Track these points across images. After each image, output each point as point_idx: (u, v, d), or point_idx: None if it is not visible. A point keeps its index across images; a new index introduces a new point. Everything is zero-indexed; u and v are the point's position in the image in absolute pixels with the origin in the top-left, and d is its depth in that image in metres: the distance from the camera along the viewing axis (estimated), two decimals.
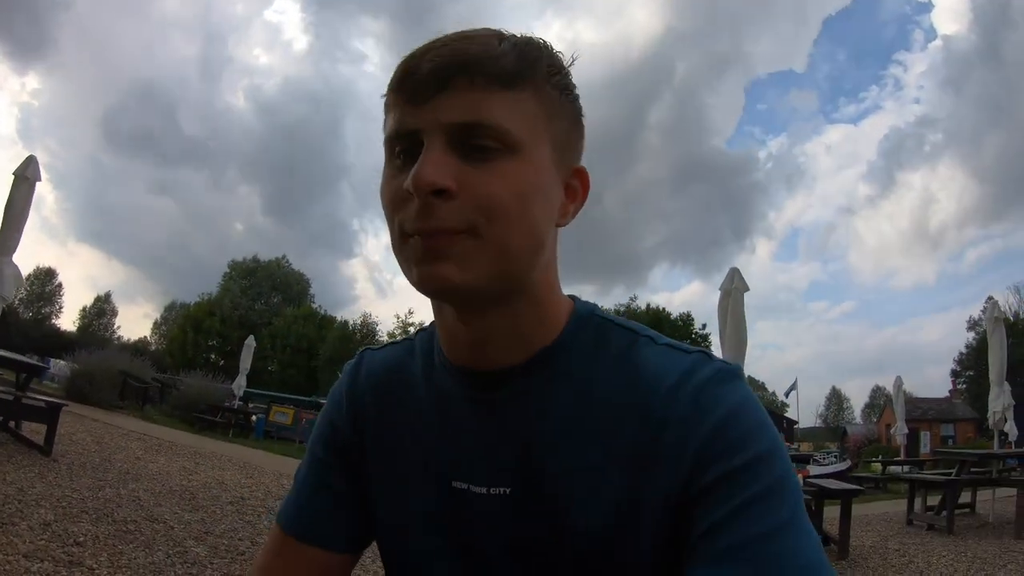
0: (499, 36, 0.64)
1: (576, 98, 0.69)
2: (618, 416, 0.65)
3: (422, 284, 0.62)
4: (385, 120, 0.67)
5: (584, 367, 0.68)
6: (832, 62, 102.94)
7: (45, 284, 58.00)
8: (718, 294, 8.06)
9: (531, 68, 0.63)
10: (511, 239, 0.62)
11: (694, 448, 0.60)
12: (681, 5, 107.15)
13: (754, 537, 0.55)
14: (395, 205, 0.63)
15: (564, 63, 0.68)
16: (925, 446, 29.66)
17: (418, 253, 0.61)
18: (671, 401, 0.63)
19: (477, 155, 0.61)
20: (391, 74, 0.66)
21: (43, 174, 7.70)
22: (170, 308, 62.75)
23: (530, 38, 0.66)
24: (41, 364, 8.37)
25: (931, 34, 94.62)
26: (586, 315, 0.72)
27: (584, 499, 0.64)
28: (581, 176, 0.71)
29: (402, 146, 0.63)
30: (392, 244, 0.66)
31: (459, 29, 0.66)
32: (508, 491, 0.67)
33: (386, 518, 0.76)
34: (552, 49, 0.67)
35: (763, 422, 0.62)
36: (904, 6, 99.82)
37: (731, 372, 0.65)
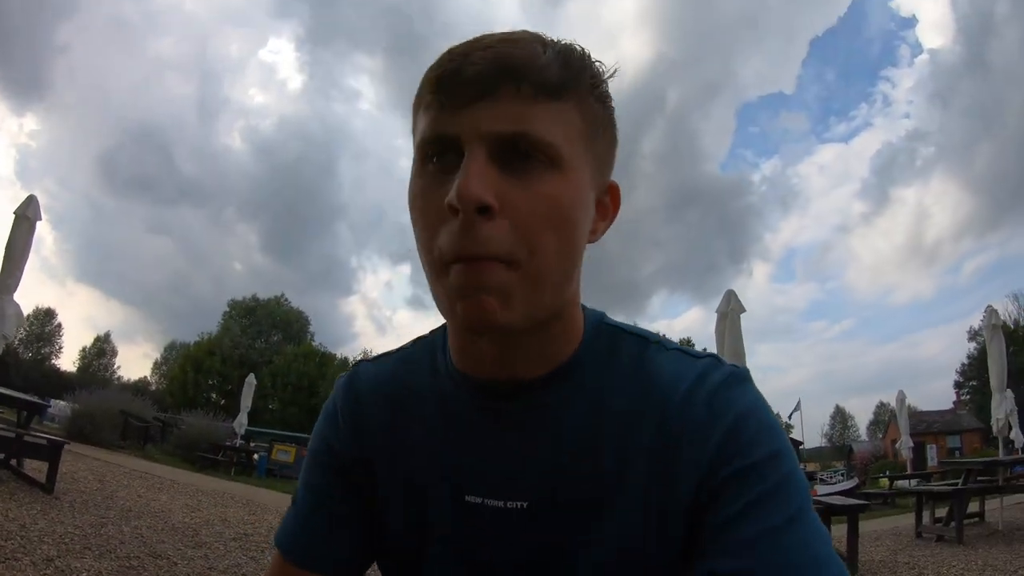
0: (541, 41, 0.62)
1: (613, 110, 0.68)
2: (635, 424, 0.65)
3: (465, 320, 0.60)
4: (415, 121, 0.64)
5: (600, 376, 0.68)
6: (821, 82, 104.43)
7: (44, 324, 58.02)
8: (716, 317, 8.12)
9: (575, 79, 0.62)
10: (552, 269, 0.61)
11: (711, 450, 0.61)
12: (670, 33, 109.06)
13: (763, 532, 0.56)
14: (431, 225, 0.60)
15: (604, 74, 0.66)
16: (932, 459, 29.41)
17: (459, 285, 0.59)
18: (686, 407, 0.64)
19: (520, 168, 0.59)
20: (428, 71, 0.63)
21: (42, 214, 7.78)
22: (170, 348, 62.71)
23: (571, 45, 0.64)
24: (42, 402, 8.32)
25: (917, 49, 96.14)
26: (598, 324, 0.72)
27: (604, 510, 0.64)
28: (613, 192, 0.70)
29: (436, 152, 0.61)
30: (425, 269, 0.63)
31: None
32: (525, 504, 0.66)
33: (392, 527, 0.74)
34: (592, 59, 0.65)
35: (772, 424, 0.63)
36: (889, 23, 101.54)
37: (741, 375, 0.66)
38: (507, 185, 0.58)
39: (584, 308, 0.74)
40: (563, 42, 0.64)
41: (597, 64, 0.65)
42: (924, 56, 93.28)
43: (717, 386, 0.64)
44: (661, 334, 0.73)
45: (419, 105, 0.64)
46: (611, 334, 0.72)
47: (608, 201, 0.70)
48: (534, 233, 0.58)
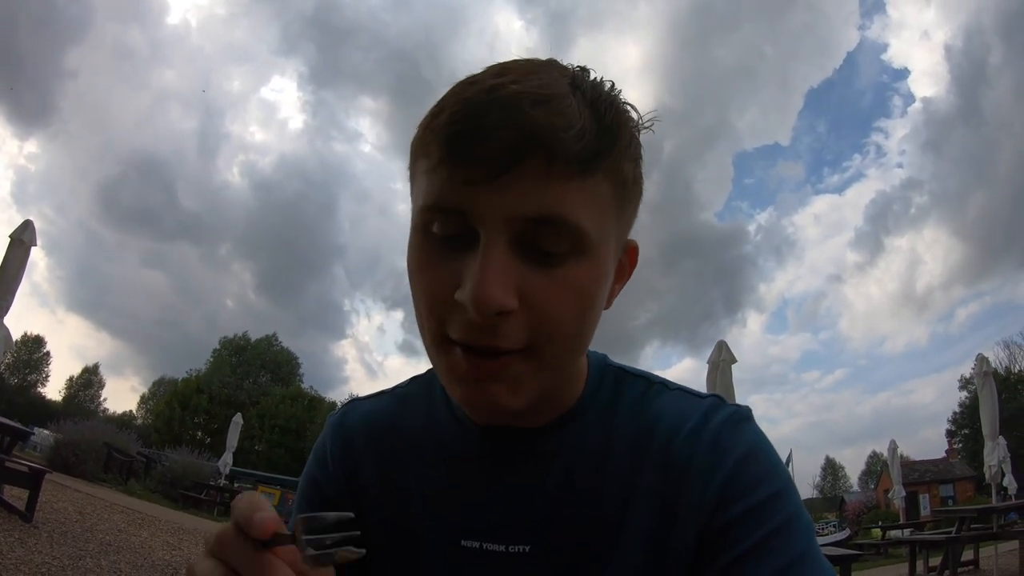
0: (574, 90, 0.54)
1: (641, 164, 0.61)
2: (638, 466, 0.64)
3: (468, 404, 0.57)
4: (415, 171, 0.58)
5: (606, 419, 0.67)
6: (816, 133, 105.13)
7: (32, 352, 57.37)
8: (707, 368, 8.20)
9: (613, 144, 0.54)
10: (569, 357, 0.59)
11: (715, 490, 0.60)
12: (671, 83, 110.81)
13: (774, 571, 0.55)
14: (434, 304, 0.55)
15: (640, 125, 0.60)
16: (925, 508, 29.19)
17: (463, 368, 0.55)
18: (690, 446, 0.63)
19: (543, 256, 0.53)
20: (433, 115, 0.55)
21: (37, 239, 7.79)
22: (159, 383, 61.92)
23: (609, 95, 0.56)
24: (25, 429, 8.20)
25: (909, 99, 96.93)
26: (602, 367, 0.72)
27: (608, 552, 0.63)
28: (631, 252, 0.66)
29: (445, 226, 0.55)
30: (425, 341, 0.59)
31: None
32: (528, 548, 0.64)
33: (382, 572, 0.71)
34: (627, 105, 0.58)
35: (776, 461, 0.63)
36: (881, 75, 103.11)
37: (744, 415, 0.66)
38: (529, 276, 0.53)
39: (588, 351, 0.72)
40: (596, 85, 0.56)
41: (632, 113, 0.59)
42: (917, 105, 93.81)
43: (720, 426, 0.64)
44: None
45: (422, 155, 0.56)
46: (615, 376, 0.71)
47: (626, 260, 0.66)
48: (555, 323, 0.55)
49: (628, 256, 0.66)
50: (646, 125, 0.60)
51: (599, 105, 0.54)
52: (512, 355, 0.54)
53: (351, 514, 0.45)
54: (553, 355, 0.56)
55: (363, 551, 0.44)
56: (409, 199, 0.62)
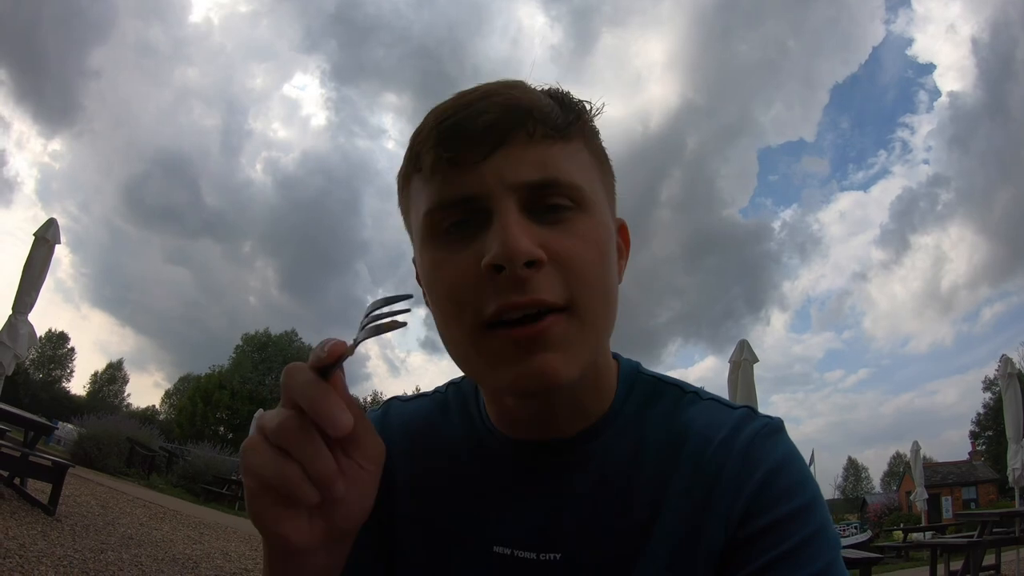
0: (531, 87, 0.63)
1: (604, 149, 0.68)
2: (668, 475, 0.64)
3: (523, 383, 0.57)
4: (413, 191, 0.63)
5: (637, 428, 0.68)
6: (842, 129, 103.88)
7: (57, 347, 58.53)
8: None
9: (577, 117, 0.62)
10: (605, 311, 0.60)
11: (744, 501, 0.61)
12: (695, 79, 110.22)
13: None
14: (463, 291, 0.57)
15: (594, 111, 0.67)
16: (947, 511, 28.91)
17: (509, 346, 0.56)
18: (721, 456, 0.63)
19: (552, 216, 0.58)
20: (417, 133, 0.61)
21: (61, 237, 7.90)
22: (184, 380, 62.63)
23: (559, 88, 0.65)
24: (49, 424, 8.32)
25: (935, 94, 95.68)
26: (633, 374, 0.72)
27: (636, 561, 0.63)
28: (623, 231, 0.71)
29: (455, 217, 0.59)
30: (456, 342, 0.60)
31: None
32: (559, 556, 0.65)
33: (407, 570, 0.71)
34: (580, 99, 0.66)
35: (804, 476, 0.63)
36: (907, 70, 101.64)
37: (775, 427, 0.66)
38: (547, 236, 0.57)
39: (619, 358, 0.73)
40: (548, 86, 0.64)
41: (586, 103, 0.66)
42: (943, 100, 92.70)
43: (752, 437, 0.64)
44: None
45: (414, 171, 0.62)
46: (647, 384, 0.71)
47: (621, 240, 0.70)
48: (586, 272, 0.58)
49: (622, 235, 0.70)
50: (597, 112, 0.66)
51: (555, 94, 0.63)
52: (556, 314, 0.56)
53: (410, 294, 0.53)
54: (592, 310, 0.58)
55: (406, 323, 0.52)
56: (407, 233, 0.67)
